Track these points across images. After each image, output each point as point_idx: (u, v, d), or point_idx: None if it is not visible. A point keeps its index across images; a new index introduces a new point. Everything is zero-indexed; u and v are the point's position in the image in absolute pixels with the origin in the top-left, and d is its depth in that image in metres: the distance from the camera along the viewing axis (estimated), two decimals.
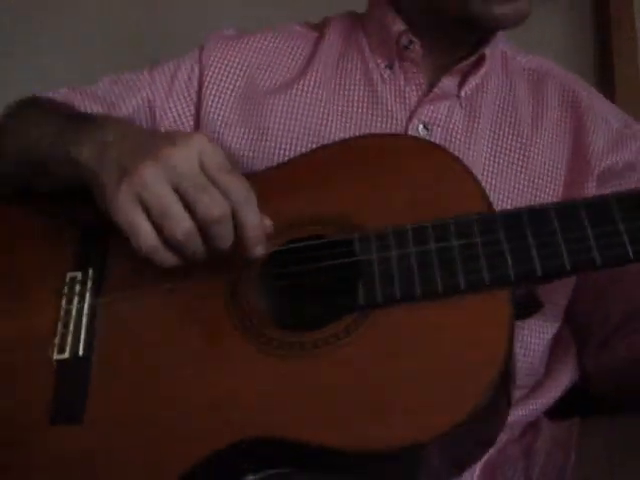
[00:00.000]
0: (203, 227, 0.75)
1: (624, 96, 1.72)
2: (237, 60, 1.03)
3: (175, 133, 0.79)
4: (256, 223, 0.77)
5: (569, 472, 0.87)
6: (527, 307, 0.83)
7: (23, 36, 1.78)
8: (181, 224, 0.74)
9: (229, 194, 0.76)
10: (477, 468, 0.93)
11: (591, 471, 0.87)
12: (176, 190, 0.75)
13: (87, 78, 1.08)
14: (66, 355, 0.82)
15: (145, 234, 0.75)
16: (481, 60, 0.99)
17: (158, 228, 0.75)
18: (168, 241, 0.75)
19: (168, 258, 0.77)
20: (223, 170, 0.76)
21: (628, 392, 1.01)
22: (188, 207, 0.75)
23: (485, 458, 0.92)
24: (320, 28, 1.09)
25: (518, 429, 0.99)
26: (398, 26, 0.99)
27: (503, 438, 0.96)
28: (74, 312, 0.84)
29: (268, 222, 0.81)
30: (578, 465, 0.87)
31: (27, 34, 1.78)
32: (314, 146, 0.95)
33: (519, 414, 0.98)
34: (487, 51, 0.99)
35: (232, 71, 1.03)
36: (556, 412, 1.01)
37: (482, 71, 1.00)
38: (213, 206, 0.74)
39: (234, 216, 0.76)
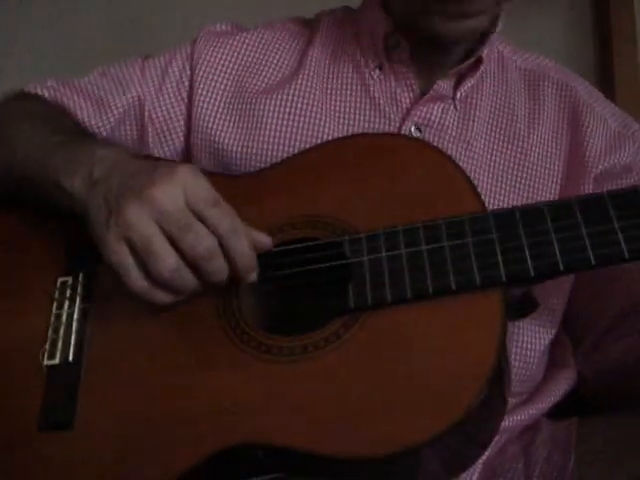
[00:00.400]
0: (193, 265, 0.76)
1: (624, 96, 1.72)
2: (229, 59, 1.03)
3: (160, 168, 0.78)
4: (245, 252, 0.78)
5: (569, 471, 0.87)
6: (522, 307, 0.82)
7: (23, 33, 1.79)
8: (166, 262, 0.74)
9: (215, 227, 0.76)
10: (477, 468, 0.93)
11: (590, 470, 0.86)
12: (162, 229, 0.75)
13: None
14: (56, 361, 0.82)
15: (134, 276, 0.75)
16: (478, 63, 0.98)
17: (145, 268, 0.75)
18: (156, 280, 0.75)
19: (162, 297, 0.77)
20: (209, 204, 0.76)
21: (619, 394, 1.00)
22: (175, 246, 0.75)
23: (484, 458, 0.93)
24: (313, 25, 1.08)
25: (517, 430, 0.98)
26: (386, 27, 0.97)
27: (502, 438, 0.96)
28: (64, 317, 0.84)
29: (265, 239, 0.81)
30: (577, 464, 0.87)
31: (27, 32, 1.79)
32: (307, 146, 0.94)
33: (518, 419, 0.97)
34: (484, 53, 0.97)
35: (224, 69, 1.02)
36: (555, 412, 1.01)
37: (478, 73, 0.98)
38: (198, 243, 0.75)
39: (223, 248, 0.76)
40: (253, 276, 0.79)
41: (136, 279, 0.75)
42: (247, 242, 0.78)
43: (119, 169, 0.80)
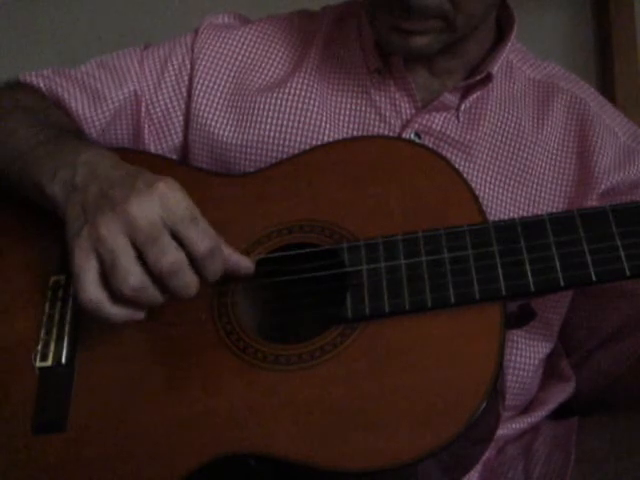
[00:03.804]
0: (159, 280, 0.73)
1: (624, 96, 1.71)
2: (230, 54, 1.02)
3: (140, 180, 0.76)
4: (218, 274, 0.76)
5: (569, 471, 0.87)
6: (520, 317, 0.81)
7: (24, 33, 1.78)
8: (129, 279, 0.72)
9: (191, 248, 0.74)
10: (477, 469, 0.92)
11: (591, 470, 0.86)
12: (133, 245, 0.73)
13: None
14: (48, 363, 0.81)
15: (88, 289, 0.73)
16: (487, 78, 0.96)
17: (108, 282, 0.73)
18: (119, 296, 0.73)
19: (113, 316, 0.74)
20: (185, 223, 0.74)
21: (603, 403, 1.01)
22: (142, 261, 0.73)
23: (485, 458, 0.92)
24: (317, 19, 1.06)
25: (516, 434, 0.98)
26: (373, 34, 0.96)
27: (502, 438, 0.96)
28: (57, 317, 0.83)
29: (247, 264, 0.80)
30: (578, 464, 0.87)
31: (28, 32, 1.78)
32: (307, 147, 0.93)
33: (516, 427, 0.97)
34: (494, 69, 0.96)
35: (224, 66, 1.01)
36: (555, 412, 1.00)
37: (487, 86, 0.97)
38: (162, 257, 0.72)
39: (196, 267, 0.75)
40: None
41: (88, 292, 0.73)
42: (221, 264, 0.76)
43: (100, 177, 0.78)
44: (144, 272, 0.73)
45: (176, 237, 0.73)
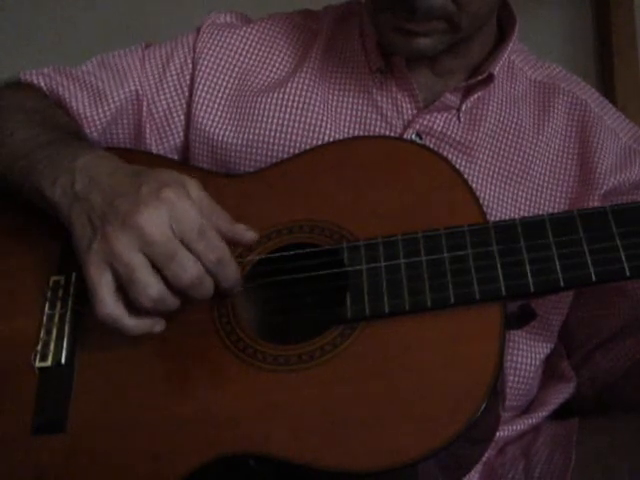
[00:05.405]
0: (178, 292, 0.75)
1: (624, 96, 1.72)
2: (232, 54, 1.01)
3: (145, 186, 0.75)
4: (230, 278, 0.77)
5: (570, 472, 0.86)
6: (521, 318, 0.81)
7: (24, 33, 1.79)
8: (149, 292, 0.73)
9: (201, 259, 0.74)
10: (477, 469, 0.92)
11: (592, 471, 0.86)
12: (147, 257, 0.73)
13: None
14: (48, 363, 0.80)
15: (106, 304, 0.73)
16: (489, 79, 0.96)
17: (126, 295, 0.74)
18: (137, 307, 0.74)
19: (129, 328, 0.75)
20: (194, 235, 0.74)
21: (602, 404, 1.01)
22: (160, 274, 0.74)
23: (485, 459, 0.92)
24: (320, 18, 1.06)
25: (517, 434, 0.98)
26: (375, 34, 0.96)
27: (502, 439, 0.96)
28: (56, 318, 0.83)
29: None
30: (579, 465, 0.86)
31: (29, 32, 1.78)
32: (307, 146, 0.93)
33: (517, 429, 0.97)
34: (495, 70, 0.96)
35: (226, 66, 1.01)
36: (555, 412, 1.00)
37: (489, 86, 0.97)
38: (182, 274, 0.73)
39: (210, 275, 0.76)
40: (238, 289, 0.80)
41: (106, 306, 0.73)
42: (233, 268, 0.77)
43: (102, 183, 0.78)
44: (162, 283, 0.74)
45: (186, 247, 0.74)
